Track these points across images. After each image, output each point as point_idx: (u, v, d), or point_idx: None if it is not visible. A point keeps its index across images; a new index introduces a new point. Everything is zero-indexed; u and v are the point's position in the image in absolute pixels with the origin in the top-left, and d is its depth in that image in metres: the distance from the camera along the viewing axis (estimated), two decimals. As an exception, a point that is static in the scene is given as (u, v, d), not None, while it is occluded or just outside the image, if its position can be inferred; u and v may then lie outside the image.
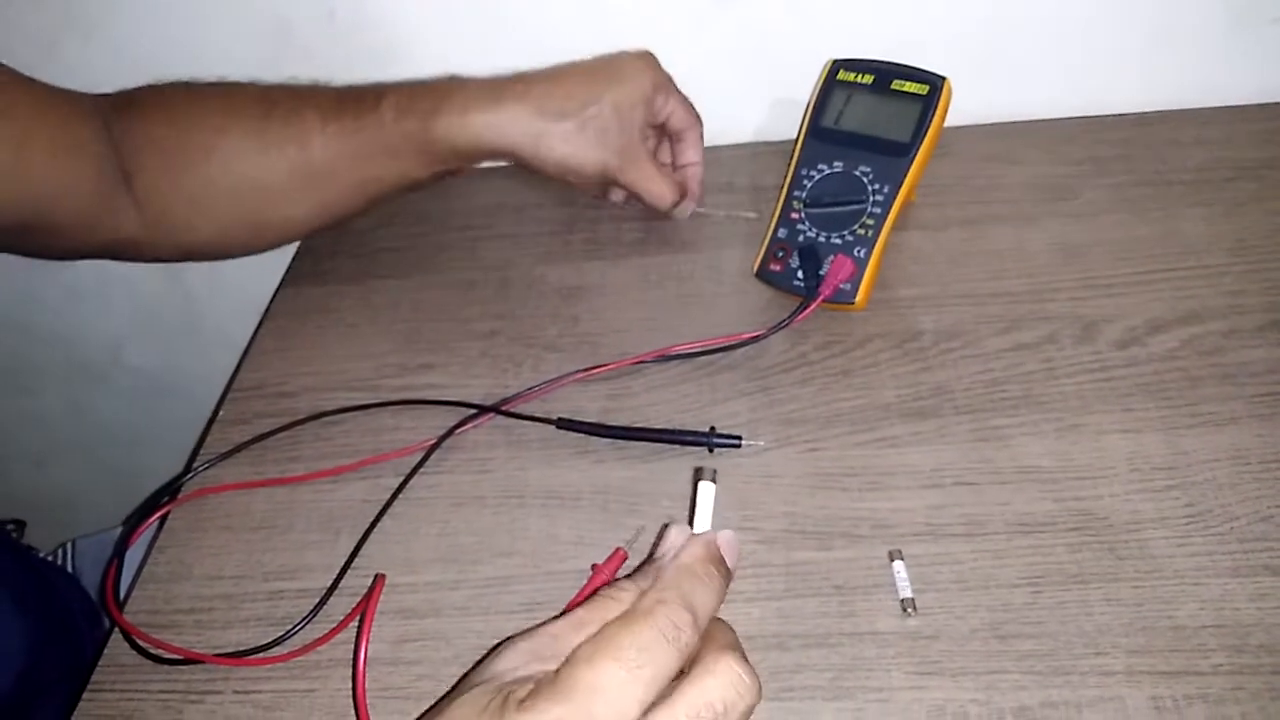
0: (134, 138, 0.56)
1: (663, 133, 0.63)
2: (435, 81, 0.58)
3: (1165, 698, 0.39)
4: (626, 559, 0.45)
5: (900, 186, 0.55)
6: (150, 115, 0.57)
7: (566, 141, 0.56)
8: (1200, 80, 0.67)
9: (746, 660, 0.32)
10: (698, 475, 0.38)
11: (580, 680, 0.29)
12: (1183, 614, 0.42)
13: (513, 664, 0.32)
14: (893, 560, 0.44)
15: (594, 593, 0.35)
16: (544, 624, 0.34)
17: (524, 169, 0.59)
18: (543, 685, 0.30)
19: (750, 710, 0.31)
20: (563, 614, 0.42)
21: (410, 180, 0.60)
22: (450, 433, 0.53)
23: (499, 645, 0.34)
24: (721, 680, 0.31)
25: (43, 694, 0.58)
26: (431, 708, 0.35)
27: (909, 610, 0.43)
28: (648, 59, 0.59)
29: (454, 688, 0.35)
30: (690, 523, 0.37)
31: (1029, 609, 0.42)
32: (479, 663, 0.35)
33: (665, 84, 0.60)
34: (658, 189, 0.60)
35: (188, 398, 0.89)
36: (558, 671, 0.30)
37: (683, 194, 0.62)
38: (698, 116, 0.63)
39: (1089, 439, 0.49)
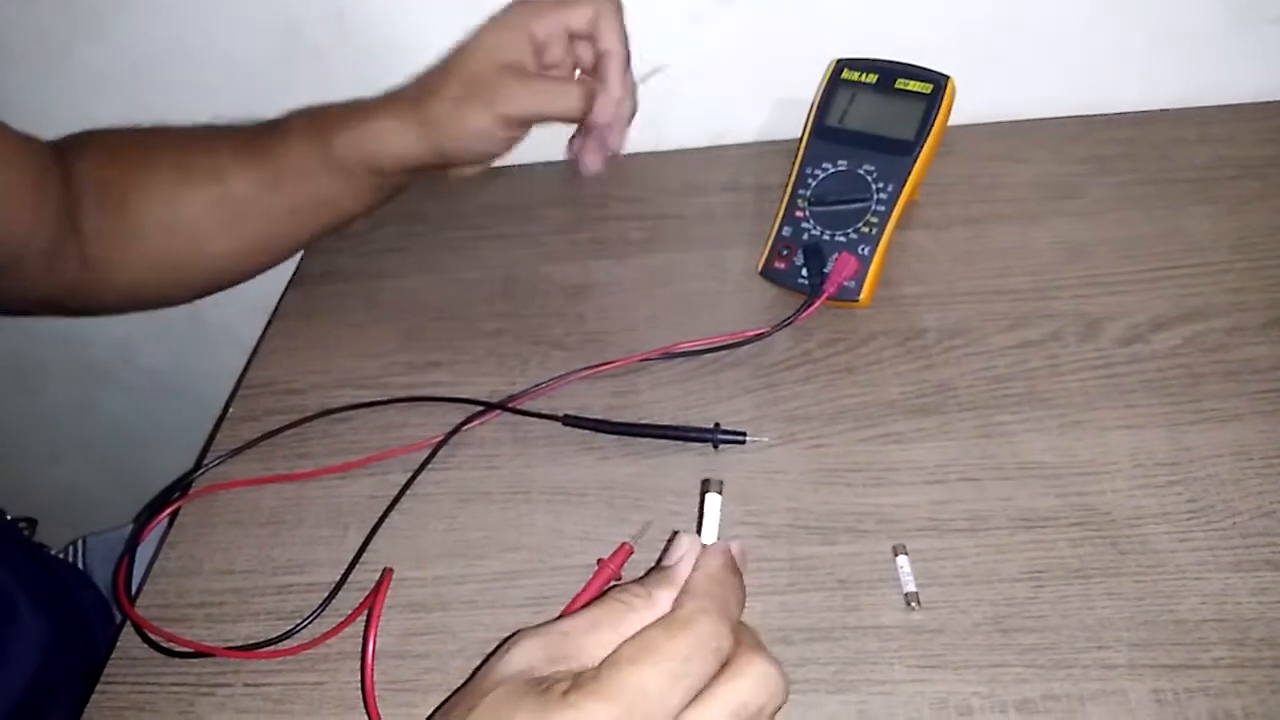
0: (77, 180, 0.57)
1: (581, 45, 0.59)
2: (345, 102, 0.59)
3: (1167, 691, 0.39)
4: (632, 554, 0.45)
5: (904, 185, 0.55)
6: (90, 156, 0.58)
7: (449, 118, 0.55)
8: (1202, 79, 0.68)
9: (775, 660, 0.33)
10: (705, 487, 0.39)
11: (627, 682, 0.30)
12: (1184, 608, 0.42)
13: (531, 662, 0.33)
14: (896, 555, 0.45)
15: (603, 592, 0.36)
16: (554, 622, 0.34)
17: (443, 172, 0.60)
18: (586, 682, 0.30)
19: (780, 708, 0.32)
20: (571, 611, 0.42)
21: (332, 204, 0.60)
22: (457, 429, 0.53)
23: (507, 640, 0.34)
24: (755, 681, 0.32)
25: (57, 691, 0.59)
26: (445, 703, 0.36)
27: (912, 604, 0.43)
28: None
29: (466, 684, 0.35)
30: (698, 531, 0.38)
31: (1031, 603, 0.43)
32: (488, 658, 0.35)
33: (538, 9, 0.56)
34: (560, 102, 0.56)
35: (196, 397, 0.90)
36: (598, 671, 0.31)
37: (591, 93, 0.57)
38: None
39: (1092, 435, 0.49)
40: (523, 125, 0.58)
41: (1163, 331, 0.53)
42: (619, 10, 0.57)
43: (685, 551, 0.36)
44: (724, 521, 0.47)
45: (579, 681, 0.31)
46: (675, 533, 0.37)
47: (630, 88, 0.58)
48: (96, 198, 0.57)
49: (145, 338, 0.76)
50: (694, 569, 0.35)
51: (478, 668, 0.35)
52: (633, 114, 0.60)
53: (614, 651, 0.32)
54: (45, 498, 0.82)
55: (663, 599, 0.34)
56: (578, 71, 0.59)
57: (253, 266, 0.62)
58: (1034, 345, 0.54)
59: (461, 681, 0.42)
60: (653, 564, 0.40)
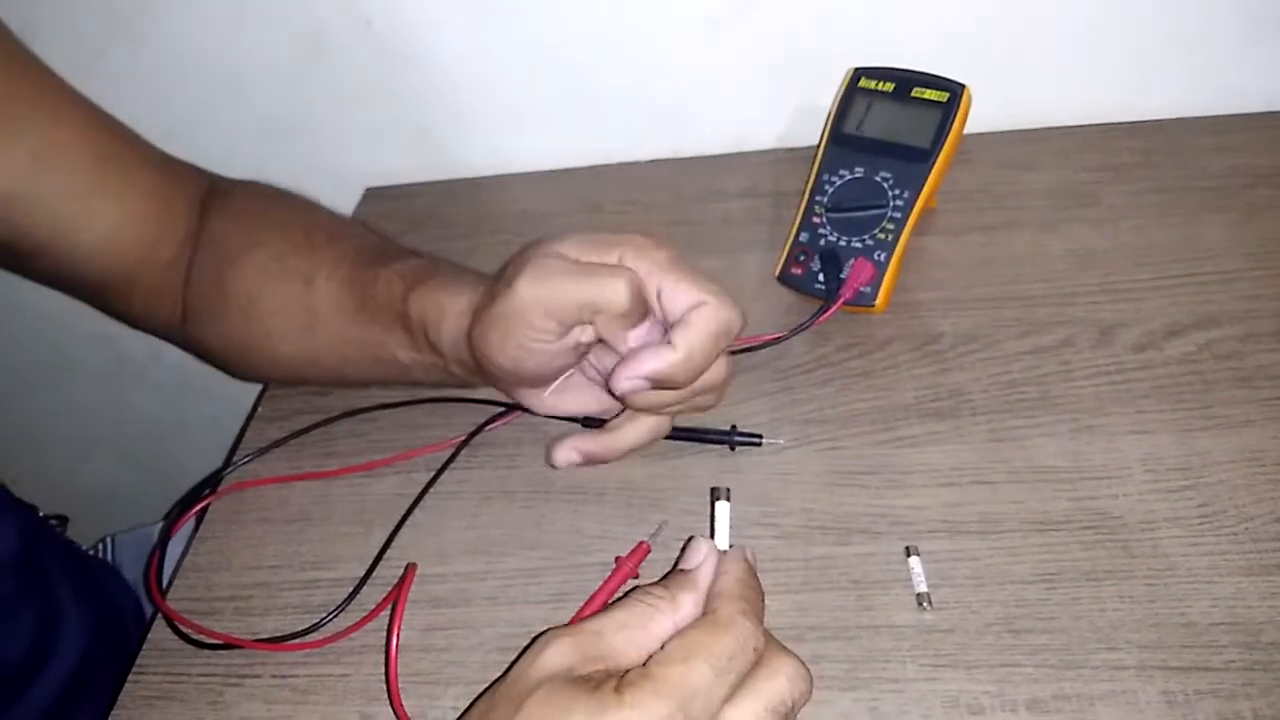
0: (206, 229, 0.56)
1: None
2: (454, 266, 0.52)
3: (1176, 692, 0.40)
4: (650, 552, 0.46)
5: (920, 192, 0.56)
6: (225, 208, 0.57)
7: (484, 336, 0.46)
8: (1219, 88, 0.68)
9: (801, 659, 0.35)
10: (714, 495, 0.41)
11: (678, 679, 0.32)
12: (1195, 611, 0.42)
13: (568, 662, 0.34)
14: (909, 556, 0.46)
15: (624, 593, 0.37)
16: (583, 622, 0.36)
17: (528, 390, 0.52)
18: (637, 680, 0.32)
19: (807, 701, 0.35)
20: (589, 607, 0.44)
21: (393, 359, 0.52)
22: (480, 429, 0.54)
23: (536, 641, 0.35)
24: (790, 678, 0.34)
25: (92, 683, 0.60)
26: (476, 703, 0.36)
27: (925, 604, 0.44)
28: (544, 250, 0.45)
29: (496, 684, 0.36)
30: (711, 536, 0.39)
31: (1042, 605, 0.43)
32: (518, 658, 0.36)
33: (644, 246, 0.45)
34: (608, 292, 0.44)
35: (225, 396, 0.91)
36: (649, 669, 0.33)
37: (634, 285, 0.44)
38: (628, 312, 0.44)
39: (1104, 440, 0.50)
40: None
41: (1176, 338, 0.54)
42: (673, 263, 0.45)
43: (704, 557, 0.38)
44: (741, 522, 0.48)
45: (630, 679, 0.32)
46: (691, 537, 0.39)
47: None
48: (208, 255, 0.55)
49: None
50: (718, 574, 0.37)
51: (508, 668, 0.36)
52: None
53: (662, 651, 0.34)
54: (75, 495, 0.84)
55: (685, 602, 0.36)
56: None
57: (323, 378, 0.58)
58: (1047, 351, 0.54)
59: (482, 675, 0.43)
60: (668, 561, 0.42)
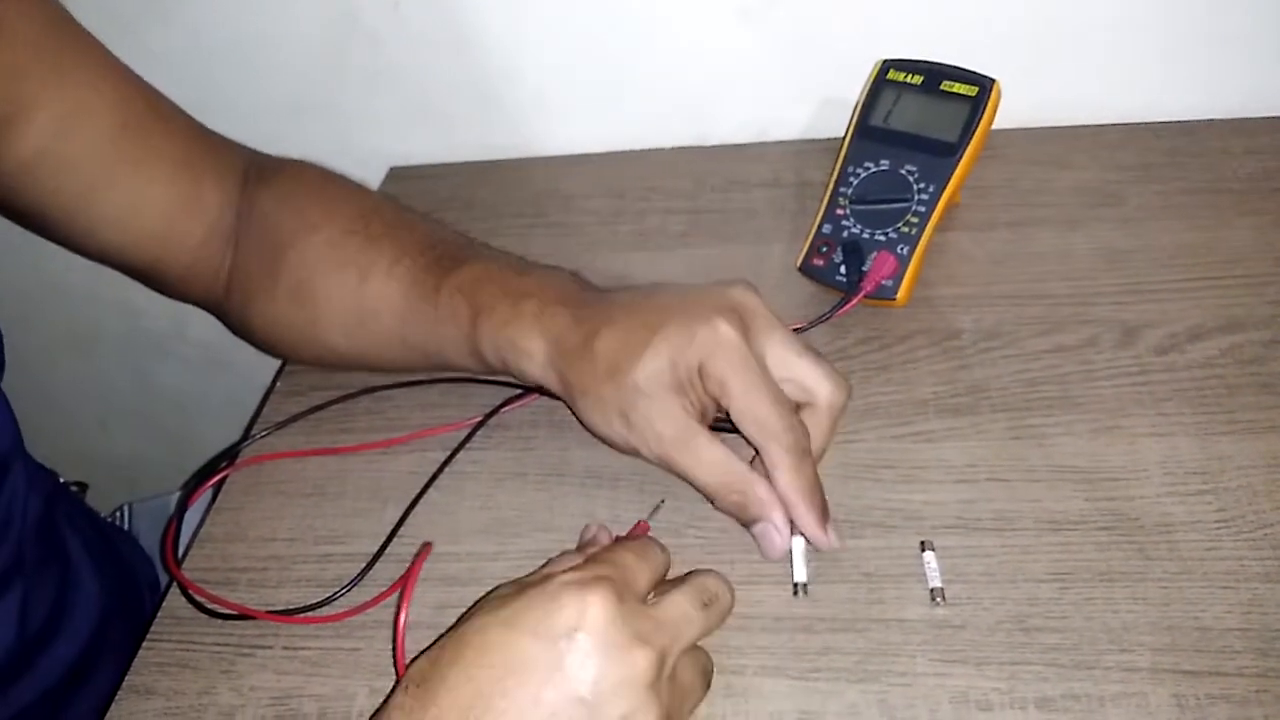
0: (256, 206, 0.55)
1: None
2: (517, 274, 0.50)
3: (1188, 696, 0.40)
4: (648, 531, 0.47)
5: (945, 186, 0.56)
6: (277, 188, 0.56)
7: (588, 413, 0.47)
8: (1251, 90, 0.67)
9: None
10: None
11: (605, 555, 0.40)
12: (1209, 616, 0.42)
13: (509, 590, 0.39)
14: (923, 550, 0.45)
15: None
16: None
17: None
18: (577, 567, 0.39)
19: (729, 609, 0.41)
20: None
21: (457, 368, 0.53)
22: (496, 411, 0.54)
23: (491, 593, 0.40)
24: (714, 578, 0.41)
25: (106, 652, 0.61)
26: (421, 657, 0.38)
27: (937, 600, 0.44)
28: (721, 313, 0.44)
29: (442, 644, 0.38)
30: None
31: (1055, 604, 0.43)
32: (468, 613, 0.39)
33: (719, 354, 0.43)
34: (706, 480, 0.45)
35: (245, 371, 0.92)
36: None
37: (745, 499, 0.45)
38: (782, 421, 0.44)
39: (1123, 441, 0.49)
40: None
41: (1200, 341, 0.53)
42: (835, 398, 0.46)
43: (596, 530, 0.46)
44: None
45: (572, 567, 0.39)
46: (585, 526, 0.47)
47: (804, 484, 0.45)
48: (259, 235, 0.55)
49: (200, 311, 0.78)
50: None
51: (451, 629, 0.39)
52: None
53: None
54: (95, 463, 0.85)
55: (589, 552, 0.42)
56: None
57: (366, 366, 0.57)
58: (1069, 350, 0.54)
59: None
60: (662, 538, 0.44)
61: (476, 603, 0.41)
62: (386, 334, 0.53)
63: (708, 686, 0.41)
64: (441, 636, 0.38)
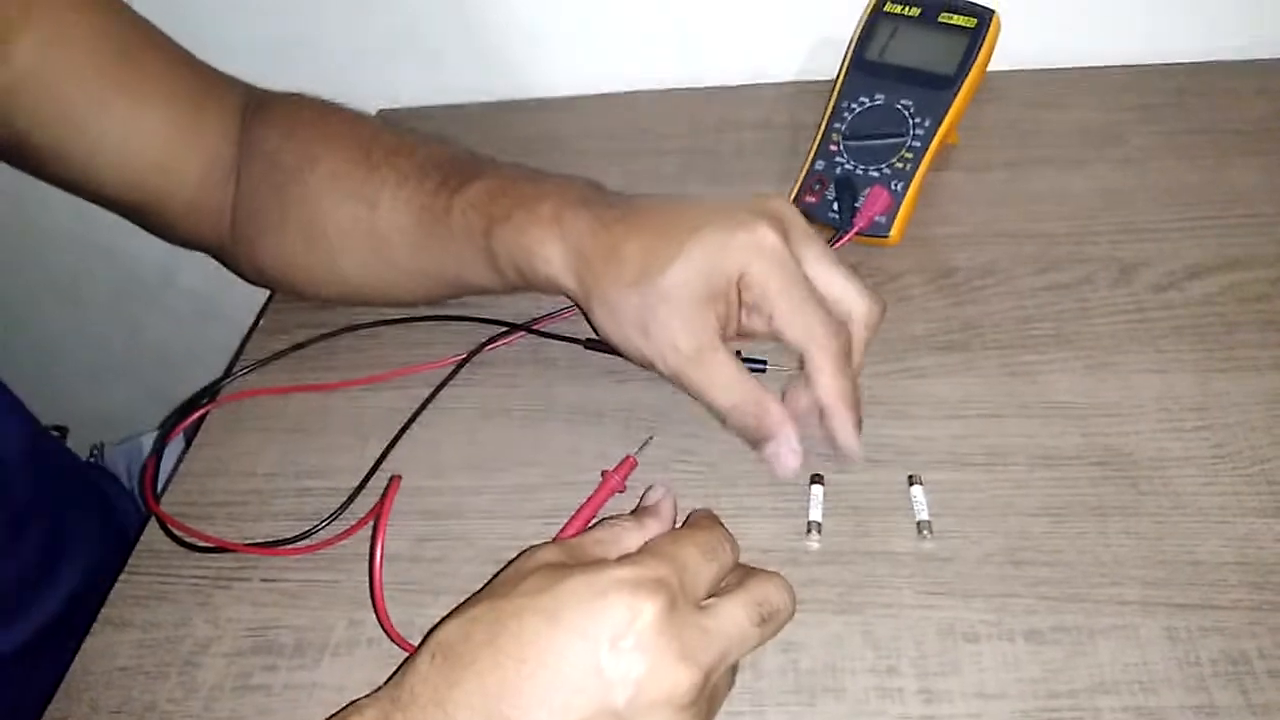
0: (254, 143, 0.54)
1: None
2: (530, 182, 0.48)
3: (1180, 629, 0.39)
4: (636, 466, 0.46)
5: (942, 120, 0.54)
6: (275, 124, 0.54)
7: (604, 320, 0.45)
8: (1263, 31, 0.65)
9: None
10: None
11: (669, 551, 0.35)
12: (1204, 550, 0.41)
13: (557, 559, 0.36)
14: (911, 485, 0.45)
15: (599, 521, 0.40)
16: (563, 539, 0.39)
17: None
18: (632, 556, 0.35)
19: (786, 623, 0.37)
20: (576, 514, 0.45)
21: (476, 287, 0.51)
22: (481, 348, 0.54)
23: (524, 553, 0.37)
24: (777, 587, 0.36)
25: (97, 592, 0.60)
26: (465, 606, 0.36)
27: (924, 533, 0.43)
28: (761, 218, 0.42)
29: (483, 592, 0.37)
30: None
31: (1046, 538, 0.42)
32: (502, 570, 0.38)
33: (761, 258, 0.42)
34: (720, 398, 0.43)
35: (235, 324, 0.91)
36: (640, 550, 0.36)
37: (759, 418, 0.43)
38: (828, 326, 0.42)
39: (1119, 378, 0.48)
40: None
41: (1199, 279, 0.52)
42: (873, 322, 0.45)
43: (663, 495, 0.41)
44: (740, 446, 0.47)
45: (627, 557, 0.35)
46: (649, 487, 0.42)
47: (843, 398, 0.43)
48: (262, 171, 0.53)
49: (188, 259, 0.77)
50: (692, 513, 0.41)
51: (492, 578, 0.38)
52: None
53: (647, 542, 0.37)
54: (78, 412, 0.84)
55: (651, 525, 0.39)
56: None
57: (388, 299, 0.56)
58: (1065, 288, 0.53)
59: (473, 585, 0.42)
60: (652, 475, 0.44)
61: (518, 558, 0.37)
62: (402, 262, 0.51)
63: (733, 684, 0.38)
64: (477, 596, 0.36)
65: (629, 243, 0.43)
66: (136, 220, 0.57)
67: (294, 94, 0.56)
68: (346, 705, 0.36)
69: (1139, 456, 0.45)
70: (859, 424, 0.43)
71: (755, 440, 0.44)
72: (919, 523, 0.43)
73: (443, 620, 0.35)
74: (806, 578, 0.42)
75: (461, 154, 0.52)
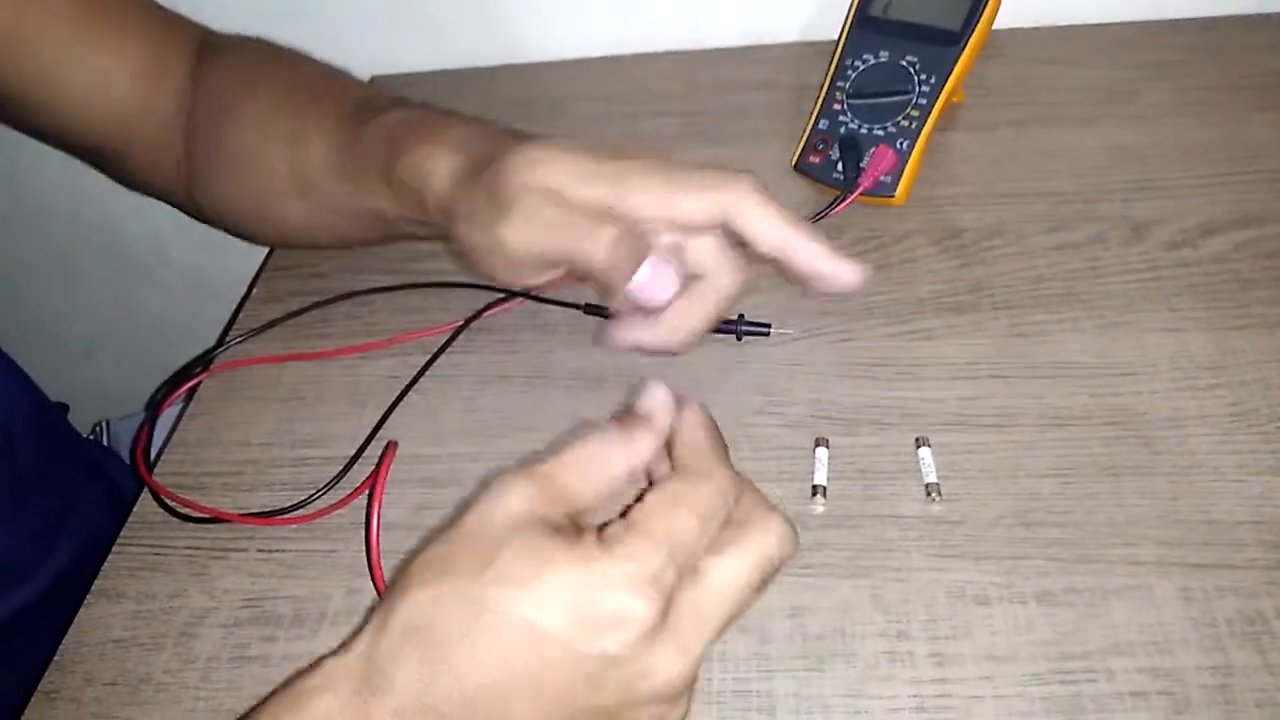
0: (204, 83, 0.54)
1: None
2: (439, 115, 0.48)
3: (1195, 589, 0.38)
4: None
5: (948, 77, 0.53)
6: (220, 64, 0.54)
7: (465, 230, 0.44)
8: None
9: (784, 515, 0.33)
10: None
11: (664, 530, 0.31)
12: (1219, 509, 0.40)
13: (531, 506, 0.31)
14: (919, 447, 0.44)
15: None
16: (534, 464, 0.33)
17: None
18: (622, 533, 0.30)
19: (790, 560, 0.33)
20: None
21: (385, 219, 0.49)
22: (479, 314, 0.52)
23: (491, 485, 0.32)
24: (780, 539, 0.33)
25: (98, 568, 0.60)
26: (424, 552, 0.32)
27: (933, 495, 0.42)
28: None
29: (453, 531, 0.32)
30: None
31: (1057, 499, 0.41)
32: (472, 504, 0.32)
33: (639, 166, 0.41)
34: (593, 247, 0.41)
35: (230, 297, 0.90)
36: (634, 520, 0.31)
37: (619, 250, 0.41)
38: (710, 184, 0.41)
39: (1131, 337, 0.47)
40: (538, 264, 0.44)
41: (1213, 237, 0.51)
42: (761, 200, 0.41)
43: (661, 401, 0.35)
44: (744, 410, 0.47)
45: (613, 532, 0.30)
46: (647, 380, 0.36)
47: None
48: (202, 114, 0.53)
49: (180, 231, 0.76)
50: (679, 427, 0.35)
51: (461, 512, 0.32)
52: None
53: (641, 503, 0.31)
54: (76, 390, 0.83)
55: (642, 442, 0.34)
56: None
57: (324, 241, 0.56)
58: (1075, 247, 0.52)
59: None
60: None
61: (486, 498, 0.32)
62: (325, 199, 0.51)
63: None
64: (443, 557, 0.31)
65: (522, 148, 0.42)
66: (99, 166, 0.58)
67: (246, 38, 0.56)
68: (308, 666, 0.31)
69: (1153, 416, 0.44)
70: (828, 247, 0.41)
71: (626, 276, 0.42)
72: (927, 485, 0.42)
73: (406, 579, 0.31)
74: (814, 542, 0.41)
75: (384, 93, 0.52)
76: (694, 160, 0.42)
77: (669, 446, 0.35)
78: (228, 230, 0.58)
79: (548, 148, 0.42)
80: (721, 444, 0.34)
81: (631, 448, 0.33)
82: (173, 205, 0.59)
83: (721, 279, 0.43)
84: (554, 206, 0.41)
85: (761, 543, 0.32)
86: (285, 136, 0.51)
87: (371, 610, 0.32)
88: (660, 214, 0.41)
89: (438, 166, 0.45)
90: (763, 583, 0.32)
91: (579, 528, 0.31)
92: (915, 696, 0.36)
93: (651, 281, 0.43)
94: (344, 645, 0.31)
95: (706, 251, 0.43)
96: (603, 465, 0.33)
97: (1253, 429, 0.43)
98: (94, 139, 0.54)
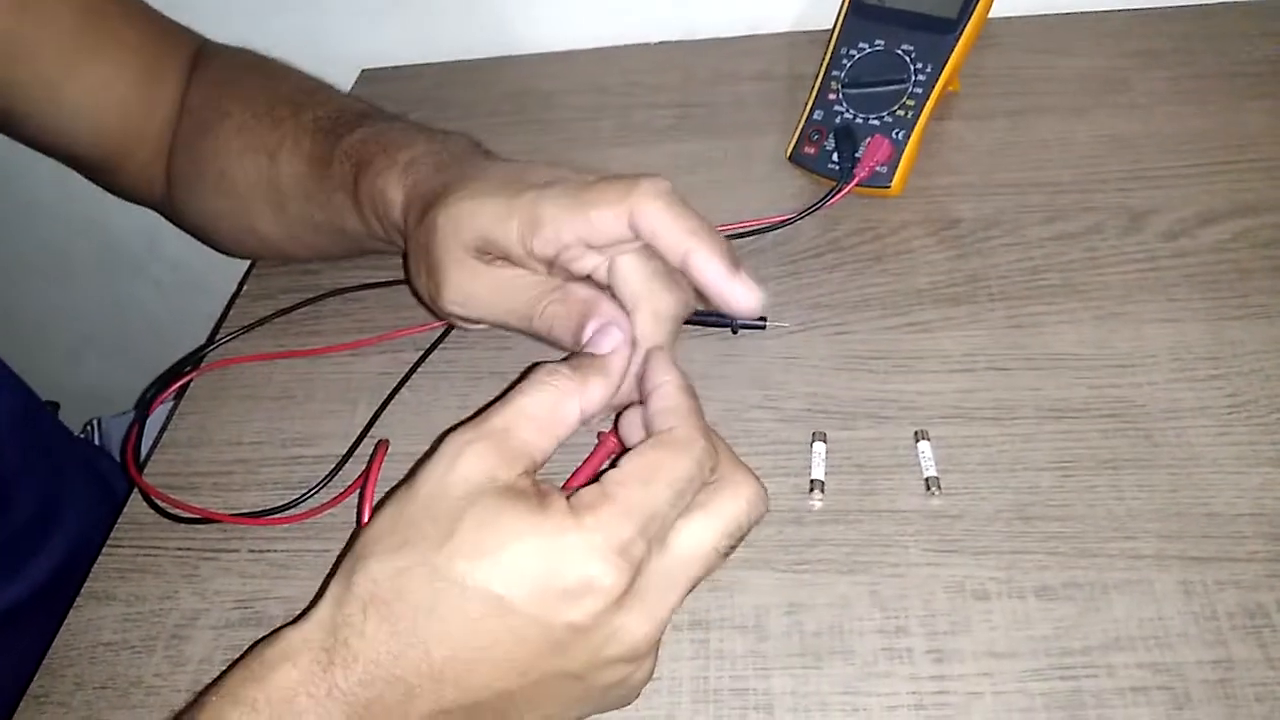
0: (185, 97, 0.54)
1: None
2: (404, 133, 0.47)
3: (1195, 582, 0.38)
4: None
5: (944, 65, 0.52)
6: (201, 78, 0.54)
7: (409, 261, 0.44)
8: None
9: (758, 478, 0.33)
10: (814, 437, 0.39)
11: (639, 502, 0.30)
12: (1219, 502, 0.40)
13: (486, 468, 0.30)
14: (918, 440, 0.43)
15: (526, 372, 0.34)
16: (486, 420, 0.32)
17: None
18: (596, 501, 0.30)
19: (759, 523, 0.33)
20: (582, 483, 0.41)
21: (353, 236, 0.49)
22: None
23: (441, 446, 0.31)
24: (750, 503, 0.32)
25: (89, 565, 0.60)
26: (379, 520, 0.31)
27: (932, 489, 0.41)
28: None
29: (403, 495, 0.31)
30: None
31: (1056, 492, 0.41)
32: (423, 466, 0.31)
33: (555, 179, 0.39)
34: (511, 301, 0.41)
35: (221, 294, 0.89)
36: (608, 490, 0.30)
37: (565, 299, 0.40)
38: (612, 193, 0.37)
39: (1129, 328, 0.47)
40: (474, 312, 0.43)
41: (1211, 226, 0.51)
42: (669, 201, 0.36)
43: (619, 345, 0.35)
44: (740, 405, 0.46)
45: (586, 501, 0.30)
46: (605, 322, 0.36)
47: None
48: (186, 126, 0.53)
49: (170, 225, 0.75)
50: (661, 386, 0.34)
51: (413, 476, 0.31)
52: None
53: (618, 470, 0.31)
54: (67, 387, 0.82)
55: (595, 387, 0.33)
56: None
57: (301, 255, 0.55)
58: (1072, 238, 0.51)
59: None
60: None
61: (437, 460, 0.31)
62: (299, 213, 0.50)
63: None
64: (401, 525, 0.30)
65: (454, 187, 0.41)
66: (90, 175, 0.57)
67: (235, 49, 0.56)
68: (268, 636, 0.31)
69: (1152, 408, 0.43)
70: (733, 259, 0.36)
71: (570, 338, 0.39)
72: (926, 479, 0.42)
73: (363, 548, 0.31)
74: (810, 537, 0.41)
75: (358, 107, 0.52)
76: (610, 172, 0.39)
77: (643, 401, 0.34)
78: (207, 243, 0.58)
79: (471, 197, 0.40)
80: (698, 406, 0.34)
81: (587, 395, 0.33)
82: (162, 215, 0.59)
83: (655, 302, 0.38)
84: (484, 270, 0.40)
85: (732, 506, 0.32)
86: (262, 152, 0.50)
87: (328, 578, 0.32)
88: (576, 234, 0.37)
89: (394, 195, 0.44)
90: (730, 547, 0.32)
91: (540, 491, 0.31)
92: (914, 693, 0.36)
93: (596, 341, 0.38)
94: (303, 615, 0.31)
95: (632, 273, 0.38)
96: (558, 417, 0.32)
97: (1252, 420, 0.42)
98: (89, 149, 0.54)
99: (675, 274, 0.38)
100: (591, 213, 0.37)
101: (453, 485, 0.30)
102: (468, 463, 0.31)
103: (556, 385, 0.33)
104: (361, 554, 0.31)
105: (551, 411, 0.32)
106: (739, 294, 0.36)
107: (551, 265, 0.39)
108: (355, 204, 0.47)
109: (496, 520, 0.30)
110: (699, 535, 0.31)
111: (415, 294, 0.45)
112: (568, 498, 0.31)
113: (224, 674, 0.31)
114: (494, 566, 0.29)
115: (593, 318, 0.38)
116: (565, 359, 0.35)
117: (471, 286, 0.41)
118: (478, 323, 0.44)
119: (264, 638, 0.31)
